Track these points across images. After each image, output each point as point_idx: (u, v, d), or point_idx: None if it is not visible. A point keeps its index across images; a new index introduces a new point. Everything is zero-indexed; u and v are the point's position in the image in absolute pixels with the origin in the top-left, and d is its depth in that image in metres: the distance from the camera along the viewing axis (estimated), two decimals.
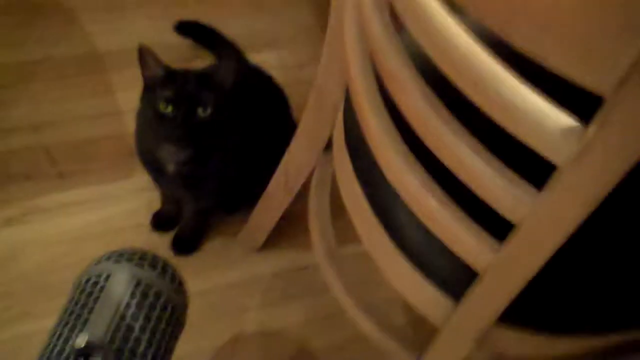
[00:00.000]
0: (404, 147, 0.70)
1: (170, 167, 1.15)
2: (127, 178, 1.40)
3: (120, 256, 0.84)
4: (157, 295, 0.82)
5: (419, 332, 1.29)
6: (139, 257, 0.84)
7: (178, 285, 0.86)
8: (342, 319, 1.26)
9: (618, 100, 0.42)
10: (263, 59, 1.61)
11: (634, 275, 0.76)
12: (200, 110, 1.06)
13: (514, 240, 0.59)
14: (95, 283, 0.81)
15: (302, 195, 1.17)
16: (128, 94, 1.49)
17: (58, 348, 0.75)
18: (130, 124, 1.22)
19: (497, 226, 0.62)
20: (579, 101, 0.52)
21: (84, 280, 0.83)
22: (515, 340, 0.78)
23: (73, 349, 0.71)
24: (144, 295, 0.81)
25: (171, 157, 1.13)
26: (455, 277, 0.75)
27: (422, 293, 0.80)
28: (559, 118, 0.48)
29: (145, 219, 1.35)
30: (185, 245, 1.34)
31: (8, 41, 1.58)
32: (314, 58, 0.96)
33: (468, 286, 0.71)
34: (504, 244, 0.61)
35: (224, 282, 1.31)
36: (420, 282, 0.79)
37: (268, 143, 1.26)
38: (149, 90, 1.09)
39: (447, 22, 0.53)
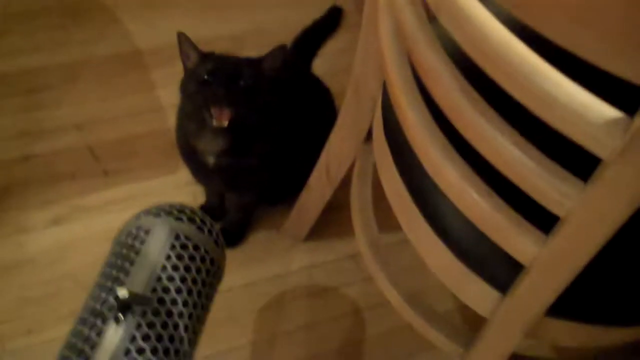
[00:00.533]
0: (442, 140, 0.68)
1: (211, 160, 1.15)
2: (171, 173, 1.41)
3: (160, 210, 0.86)
4: (196, 248, 0.83)
5: (468, 317, 1.28)
6: (178, 211, 0.86)
7: (216, 238, 0.88)
8: (388, 308, 1.26)
9: None
10: None
11: None
12: (240, 81, 1.08)
13: (560, 234, 0.58)
14: (136, 237, 0.83)
15: (346, 183, 1.16)
16: (169, 90, 1.50)
17: (102, 298, 0.77)
18: (171, 120, 1.23)
19: (537, 218, 0.60)
20: (622, 93, 0.51)
21: (124, 234, 0.85)
22: (566, 331, 0.76)
23: (116, 299, 0.73)
24: (184, 247, 0.82)
25: (211, 146, 1.13)
26: (500, 269, 0.74)
27: (466, 284, 0.78)
28: (602, 110, 0.46)
29: None
30: (230, 238, 1.34)
31: (49, 43, 1.61)
32: (354, 45, 0.94)
33: (514, 278, 0.69)
34: (549, 238, 0.60)
35: (269, 274, 1.31)
36: (464, 272, 0.78)
37: (310, 133, 1.26)
38: (189, 75, 1.11)
39: (481, 14, 0.52)
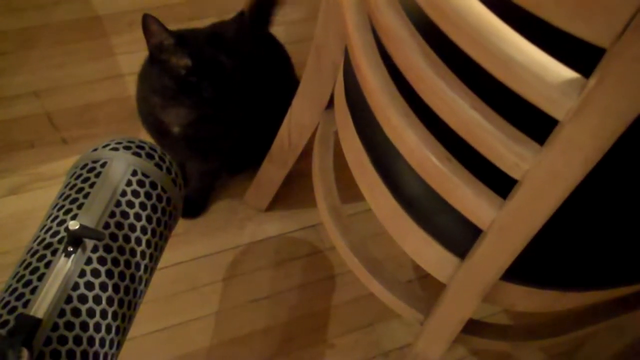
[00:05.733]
0: (402, 104, 0.68)
1: (176, 129, 1.14)
2: None
3: (118, 144, 0.83)
4: (153, 185, 0.81)
5: (429, 287, 1.29)
6: (137, 147, 0.83)
7: (174, 177, 0.86)
8: (350, 277, 1.27)
9: (618, 51, 0.41)
10: None
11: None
12: (221, 73, 1.06)
13: (517, 197, 0.58)
14: (92, 169, 0.80)
15: (308, 153, 1.16)
16: (129, 57, 1.48)
17: (53, 230, 0.74)
18: (132, 87, 1.20)
19: (499, 183, 0.61)
20: (578, 54, 0.51)
21: (80, 166, 0.82)
22: (522, 296, 0.77)
23: (67, 231, 0.71)
24: (140, 183, 0.80)
25: (179, 119, 1.11)
26: (459, 234, 0.75)
27: (426, 250, 0.79)
28: (558, 71, 0.47)
29: None
30: (192, 207, 1.33)
31: (7, 8, 1.57)
32: (315, 14, 0.93)
33: (473, 243, 0.70)
34: (506, 201, 0.60)
35: (231, 244, 1.31)
36: (424, 238, 0.78)
37: (271, 102, 1.25)
38: (159, 57, 1.06)
39: None
